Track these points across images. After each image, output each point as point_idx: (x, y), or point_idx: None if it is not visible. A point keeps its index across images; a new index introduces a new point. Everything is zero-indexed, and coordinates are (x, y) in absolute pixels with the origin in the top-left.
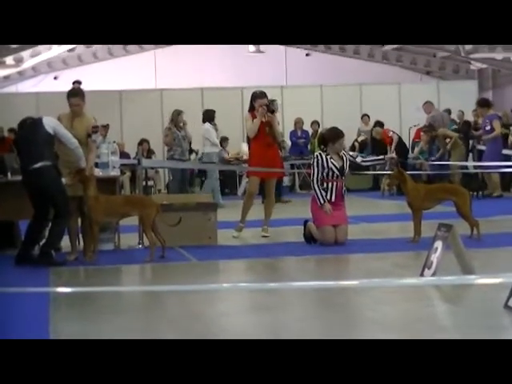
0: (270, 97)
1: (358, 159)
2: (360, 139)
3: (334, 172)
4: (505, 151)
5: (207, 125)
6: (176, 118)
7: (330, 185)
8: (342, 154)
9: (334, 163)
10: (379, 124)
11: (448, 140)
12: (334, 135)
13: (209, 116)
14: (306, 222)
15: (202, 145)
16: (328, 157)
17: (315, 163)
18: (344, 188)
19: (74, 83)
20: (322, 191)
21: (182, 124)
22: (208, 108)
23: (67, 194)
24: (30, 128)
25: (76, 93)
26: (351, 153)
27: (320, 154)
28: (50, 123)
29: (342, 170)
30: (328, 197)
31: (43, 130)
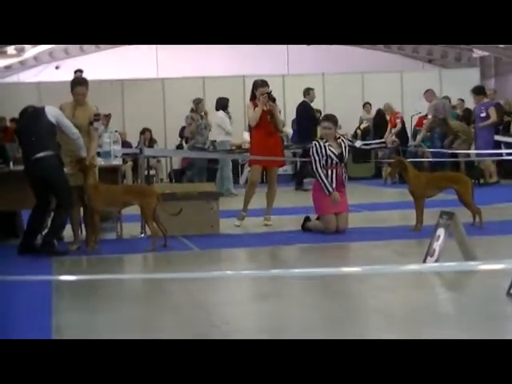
0: (271, 86)
1: (358, 143)
2: (362, 126)
3: (332, 159)
4: (497, 137)
5: (221, 113)
6: (197, 106)
7: (329, 172)
8: (340, 140)
9: (333, 150)
10: (382, 112)
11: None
12: (321, 120)
13: (222, 104)
14: (307, 218)
15: (214, 133)
16: (326, 144)
17: (314, 152)
18: (345, 174)
19: (75, 72)
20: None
21: (203, 113)
22: (203, 96)
23: (70, 184)
24: (33, 117)
25: (81, 82)
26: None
27: (318, 141)
28: (53, 112)
29: (340, 156)
30: None
31: (46, 119)
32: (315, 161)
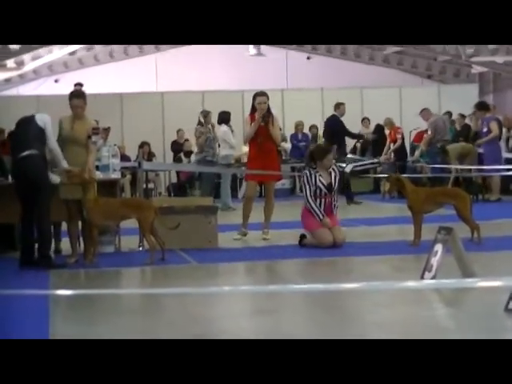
0: (270, 100)
1: (348, 169)
2: (366, 136)
3: (321, 190)
4: (507, 155)
5: (224, 127)
6: (205, 119)
7: (318, 201)
8: (330, 170)
9: (322, 181)
10: (381, 127)
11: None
12: (322, 152)
13: (224, 118)
14: (303, 236)
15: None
16: (317, 174)
17: (305, 180)
18: (334, 203)
19: (75, 85)
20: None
21: (210, 125)
22: (204, 110)
23: (51, 187)
24: (23, 124)
25: (79, 94)
26: (350, 155)
27: (309, 171)
28: (42, 118)
29: (329, 187)
30: None
31: (34, 124)
32: (305, 189)
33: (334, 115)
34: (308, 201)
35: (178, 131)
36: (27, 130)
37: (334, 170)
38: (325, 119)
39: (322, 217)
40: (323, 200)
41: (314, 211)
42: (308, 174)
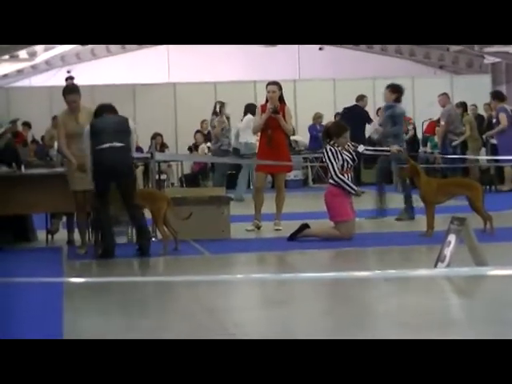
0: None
1: (360, 148)
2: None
3: (348, 162)
4: None
5: (249, 115)
6: (221, 109)
7: (344, 176)
8: (347, 146)
9: (347, 154)
10: None
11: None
12: (339, 129)
13: (250, 110)
14: (305, 225)
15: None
16: (339, 149)
17: (330, 156)
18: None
19: (67, 79)
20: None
21: (224, 116)
22: (220, 100)
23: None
24: (117, 119)
25: (73, 89)
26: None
27: (332, 147)
28: (132, 124)
29: (353, 160)
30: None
31: (128, 125)
32: (332, 165)
33: (356, 105)
34: (338, 176)
35: (203, 122)
36: (120, 125)
37: (349, 146)
38: (337, 110)
39: (355, 189)
40: (348, 174)
41: (347, 185)
42: (333, 150)
